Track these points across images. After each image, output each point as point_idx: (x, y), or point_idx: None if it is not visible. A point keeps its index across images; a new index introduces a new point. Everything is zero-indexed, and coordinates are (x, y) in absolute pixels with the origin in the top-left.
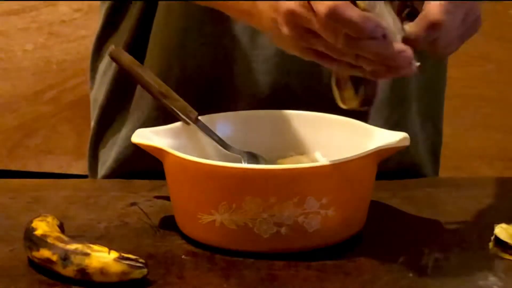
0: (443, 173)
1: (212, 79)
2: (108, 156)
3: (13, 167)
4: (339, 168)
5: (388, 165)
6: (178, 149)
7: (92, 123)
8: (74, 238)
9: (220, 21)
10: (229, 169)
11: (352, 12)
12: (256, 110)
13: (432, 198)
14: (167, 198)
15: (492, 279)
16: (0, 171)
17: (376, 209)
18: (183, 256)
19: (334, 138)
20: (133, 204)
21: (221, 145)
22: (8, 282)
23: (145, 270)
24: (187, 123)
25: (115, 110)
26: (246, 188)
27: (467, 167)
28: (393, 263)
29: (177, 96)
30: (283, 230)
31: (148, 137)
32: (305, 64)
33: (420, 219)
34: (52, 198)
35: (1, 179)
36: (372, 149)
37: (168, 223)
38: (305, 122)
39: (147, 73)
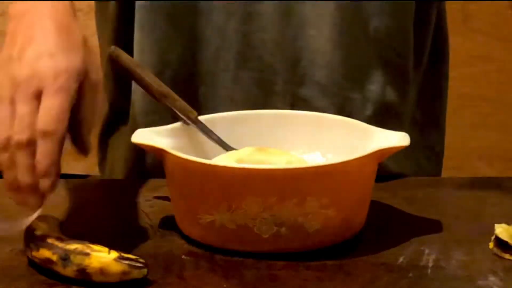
0: (443, 173)
1: (204, 79)
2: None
3: None
4: (339, 168)
5: (389, 169)
6: (178, 149)
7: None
8: (74, 238)
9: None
10: (229, 169)
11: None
12: (256, 110)
13: (432, 198)
14: (167, 198)
15: (492, 279)
16: (0, 171)
17: (376, 209)
18: (183, 256)
19: (334, 138)
20: (133, 204)
21: (221, 145)
22: (8, 282)
23: (145, 270)
24: (187, 123)
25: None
26: (246, 188)
27: (467, 167)
28: (393, 263)
29: (177, 96)
30: (283, 230)
31: (148, 137)
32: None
33: (420, 219)
34: (52, 198)
35: (1, 179)
36: (372, 149)
37: (168, 223)
38: (305, 122)
39: (147, 73)
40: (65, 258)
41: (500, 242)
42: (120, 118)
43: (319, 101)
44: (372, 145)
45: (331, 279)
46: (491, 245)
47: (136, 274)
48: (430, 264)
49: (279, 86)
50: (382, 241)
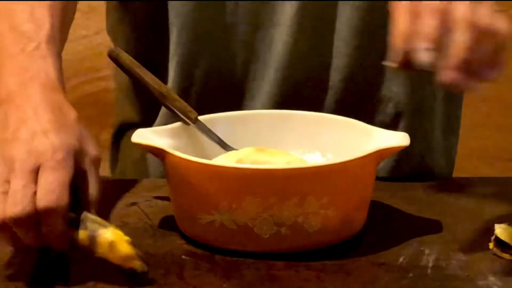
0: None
1: (233, 91)
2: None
3: None
4: (339, 168)
5: (403, 170)
6: (178, 149)
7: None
8: None
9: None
10: (229, 169)
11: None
12: (256, 110)
13: (432, 198)
14: (167, 198)
15: (492, 279)
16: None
17: (376, 209)
18: (183, 256)
19: (334, 138)
20: (133, 204)
21: (220, 145)
22: (8, 282)
23: (146, 267)
24: (187, 123)
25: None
26: (246, 188)
27: (467, 167)
28: (393, 263)
29: (176, 96)
30: (283, 230)
31: (148, 137)
32: (312, 75)
33: (420, 219)
34: None
35: None
36: (372, 149)
37: (168, 223)
38: (305, 122)
39: (147, 73)
40: (83, 220)
41: (500, 242)
42: (130, 124)
43: (331, 103)
44: (372, 145)
45: (331, 279)
46: (491, 245)
47: (138, 264)
48: (430, 264)
49: (296, 97)
50: (382, 241)
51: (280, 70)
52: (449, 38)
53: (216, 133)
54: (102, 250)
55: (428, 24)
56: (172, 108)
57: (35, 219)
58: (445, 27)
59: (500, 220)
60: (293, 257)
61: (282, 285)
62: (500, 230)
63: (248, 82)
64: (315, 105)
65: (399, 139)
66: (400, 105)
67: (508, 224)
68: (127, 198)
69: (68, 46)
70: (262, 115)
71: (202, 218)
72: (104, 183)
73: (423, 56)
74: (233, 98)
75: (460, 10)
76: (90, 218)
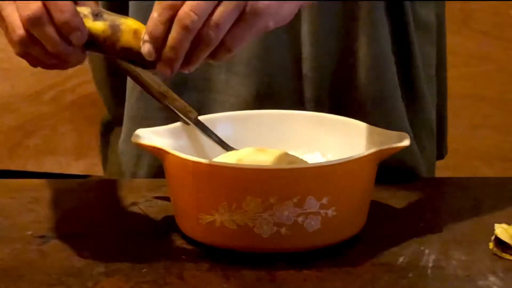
0: (443, 173)
1: (196, 84)
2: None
3: (13, 167)
4: (339, 168)
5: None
6: (178, 149)
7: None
8: (74, 237)
9: None
10: (229, 169)
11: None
12: (256, 110)
13: (432, 198)
14: (167, 198)
15: (492, 279)
16: (0, 171)
17: (376, 209)
18: (183, 256)
19: (334, 138)
20: (133, 204)
21: (220, 146)
22: (8, 282)
23: None
24: (187, 123)
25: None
26: (246, 188)
27: (467, 167)
28: (393, 263)
29: (176, 96)
30: (283, 230)
31: (148, 137)
32: (285, 65)
33: (420, 219)
34: (52, 198)
35: (1, 179)
36: (372, 149)
37: (168, 223)
38: (305, 122)
39: (147, 73)
40: (97, 14)
41: (500, 242)
42: (117, 119)
43: (309, 93)
44: (372, 145)
45: (331, 279)
46: (491, 245)
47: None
48: (430, 264)
49: (271, 89)
50: (382, 241)
51: (251, 62)
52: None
53: (216, 133)
54: (126, 37)
55: (151, 17)
56: (172, 108)
57: (48, 17)
58: (167, 22)
59: (500, 220)
60: (293, 257)
61: (282, 285)
62: (500, 230)
63: (213, 75)
64: (293, 95)
65: (399, 139)
66: (369, 95)
67: (508, 224)
68: (127, 198)
69: None
70: (262, 115)
71: (202, 218)
72: (104, 183)
73: (143, 48)
74: (198, 91)
75: (185, 7)
76: (104, 11)
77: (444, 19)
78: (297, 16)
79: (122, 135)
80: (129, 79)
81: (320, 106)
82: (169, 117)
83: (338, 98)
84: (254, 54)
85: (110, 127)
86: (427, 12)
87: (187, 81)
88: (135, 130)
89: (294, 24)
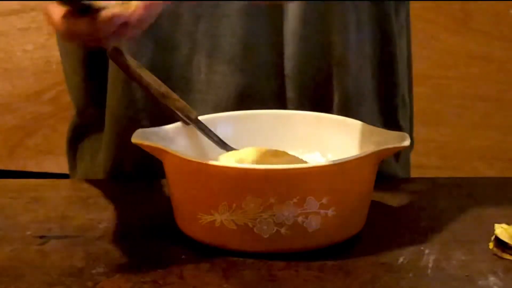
0: (443, 173)
1: (176, 84)
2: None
3: (13, 167)
4: (339, 168)
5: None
6: (178, 149)
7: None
8: (74, 238)
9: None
10: (229, 169)
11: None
12: (256, 110)
13: (432, 198)
14: (167, 198)
15: (492, 279)
16: (0, 171)
17: (376, 209)
18: (183, 256)
19: (334, 138)
20: (133, 204)
21: (221, 145)
22: (8, 282)
23: None
24: (187, 123)
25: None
26: (246, 188)
27: (467, 167)
28: (393, 263)
29: (176, 96)
30: (283, 230)
31: (148, 137)
32: (267, 65)
33: (420, 219)
34: (52, 198)
35: (1, 179)
36: (372, 149)
37: (168, 223)
38: (305, 122)
39: (147, 73)
40: None
41: (500, 242)
42: (91, 124)
43: (291, 93)
44: (372, 145)
45: (331, 279)
46: (491, 245)
47: None
48: (430, 264)
49: (252, 89)
50: (382, 241)
51: (232, 62)
52: None
53: (216, 133)
54: None
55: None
56: (172, 108)
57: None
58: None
59: (500, 220)
60: (293, 257)
61: (282, 285)
62: (500, 230)
63: (194, 74)
64: (275, 95)
65: (399, 139)
66: (348, 94)
67: (508, 224)
68: (127, 198)
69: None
70: (262, 115)
71: (202, 218)
72: (104, 183)
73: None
74: (177, 89)
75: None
76: None
77: (409, 22)
78: (280, 16)
79: (106, 137)
80: (112, 80)
81: (301, 106)
82: (159, 117)
83: (320, 99)
84: (236, 54)
85: (81, 132)
86: (405, 15)
87: (167, 81)
88: (119, 132)
89: (277, 23)
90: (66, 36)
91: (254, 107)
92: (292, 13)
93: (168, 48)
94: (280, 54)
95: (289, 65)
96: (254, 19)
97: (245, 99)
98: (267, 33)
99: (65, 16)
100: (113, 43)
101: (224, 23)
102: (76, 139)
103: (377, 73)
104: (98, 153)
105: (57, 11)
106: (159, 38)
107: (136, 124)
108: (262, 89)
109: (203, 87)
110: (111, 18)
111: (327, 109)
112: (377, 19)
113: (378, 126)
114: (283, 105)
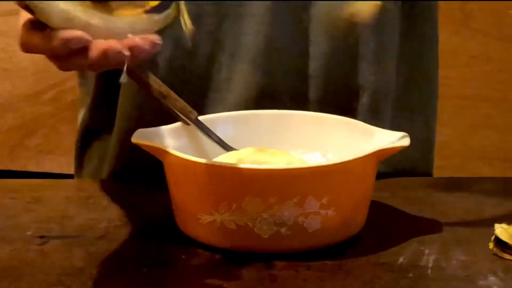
0: (443, 173)
1: (195, 84)
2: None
3: (13, 167)
4: (339, 168)
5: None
6: (178, 149)
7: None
8: (74, 238)
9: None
10: (229, 169)
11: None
12: (256, 110)
13: (432, 198)
14: (167, 198)
15: (492, 279)
16: (0, 171)
17: (376, 209)
18: (183, 256)
19: (334, 138)
20: (133, 204)
21: (221, 145)
22: (8, 282)
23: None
24: (187, 123)
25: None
26: (246, 188)
27: (467, 167)
28: (393, 263)
29: (177, 96)
30: (283, 230)
31: (148, 137)
32: (291, 64)
33: (420, 219)
34: (52, 198)
35: (1, 179)
36: (372, 149)
37: (168, 223)
38: (305, 122)
39: (147, 73)
40: None
41: (500, 242)
42: (101, 125)
43: (313, 93)
44: (372, 145)
45: (331, 279)
46: (491, 245)
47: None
48: (430, 264)
49: (274, 88)
50: (382, 241)
51: (254, 61)
52: None
53: (216, 133)
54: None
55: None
56: (172, 108)
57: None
58: None
59: (500, 220)
60: (293, 257)
61: (282, 285)
62: (500, 230)
63: (213, 73)
64: (298, 95)
65: (400, 139)
66: (377, 95)
67: (508, 224)
68: (127, 198)
69: None
70: (262, 115)
71: (202, 218)
72: (104, 183)
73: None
74: (196, 88)
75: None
76: None
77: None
78: (307, 14)
79: (116, 137)
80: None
81: (323, 106)
82: (166, 116)
83: (345, 100)
84: (258, 53)
85: (91, 132)
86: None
87: (186, 81)
88: (129, 132)
89: (303, 21)
90: (22, 47)
91: (274, 107)
92: (319, 10)
93: (188, 47)
94: (304, 54)
95: (314, 65)
96: (279, 18)
97: (265, 99)
98: (292, 32)
99: (25, 25)
100: (74, 67)
101: (249, 22)
102: (85, 139)
103: (406, 72)
104: (107, 154)
105: (22, 19)
106: (178, 37)
107: (147, 124)
108: (283, 89)
109: (223, 86)
110: (67, 39)
111: (351, 111)
112: (408, 18)
113: (405, 128)
114: (303, 106)
